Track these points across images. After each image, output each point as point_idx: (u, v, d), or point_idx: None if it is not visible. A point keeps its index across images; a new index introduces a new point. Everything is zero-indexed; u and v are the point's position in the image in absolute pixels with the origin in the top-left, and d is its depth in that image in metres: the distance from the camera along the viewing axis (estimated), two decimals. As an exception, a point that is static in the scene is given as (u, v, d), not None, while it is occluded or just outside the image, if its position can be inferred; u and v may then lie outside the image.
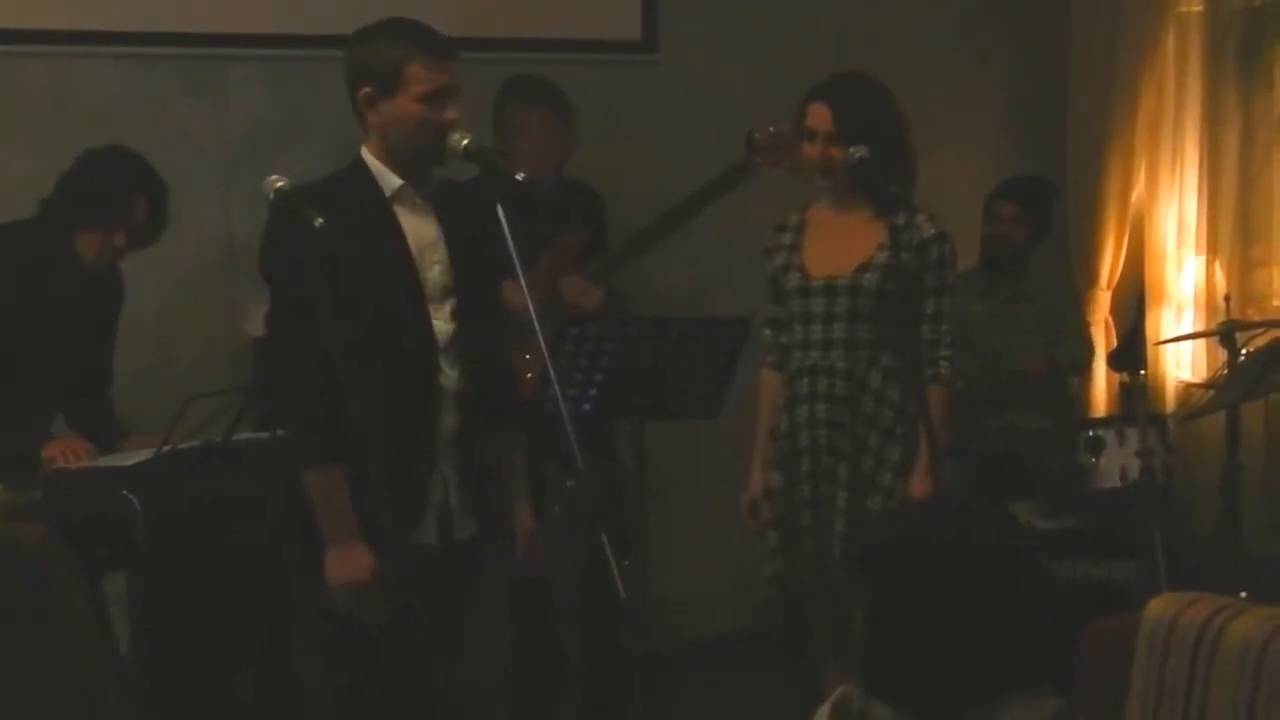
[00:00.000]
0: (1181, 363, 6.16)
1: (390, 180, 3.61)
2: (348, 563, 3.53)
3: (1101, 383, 6.27)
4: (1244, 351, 5.30)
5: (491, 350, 3.77)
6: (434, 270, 3.64)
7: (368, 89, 3.57)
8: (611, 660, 5.11)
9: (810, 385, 4.25)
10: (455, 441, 3.68)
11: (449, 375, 3.66)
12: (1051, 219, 5.92)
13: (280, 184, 3.39)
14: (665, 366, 4.17)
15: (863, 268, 4.20)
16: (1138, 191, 6.28)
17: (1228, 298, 5.66)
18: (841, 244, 4.24)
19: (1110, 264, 6.30)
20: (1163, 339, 6.10)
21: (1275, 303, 5.93)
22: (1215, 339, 5.64)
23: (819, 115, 4.20)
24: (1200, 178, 6.05)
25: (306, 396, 3.47)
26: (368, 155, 3.63)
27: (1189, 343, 6.07)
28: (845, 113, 4.17)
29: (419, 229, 3.65)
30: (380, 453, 3.35)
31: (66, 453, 4.44)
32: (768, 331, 4.39)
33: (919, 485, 4.14)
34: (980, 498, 5.01)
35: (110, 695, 3.53)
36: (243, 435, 4.35)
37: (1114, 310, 6.32)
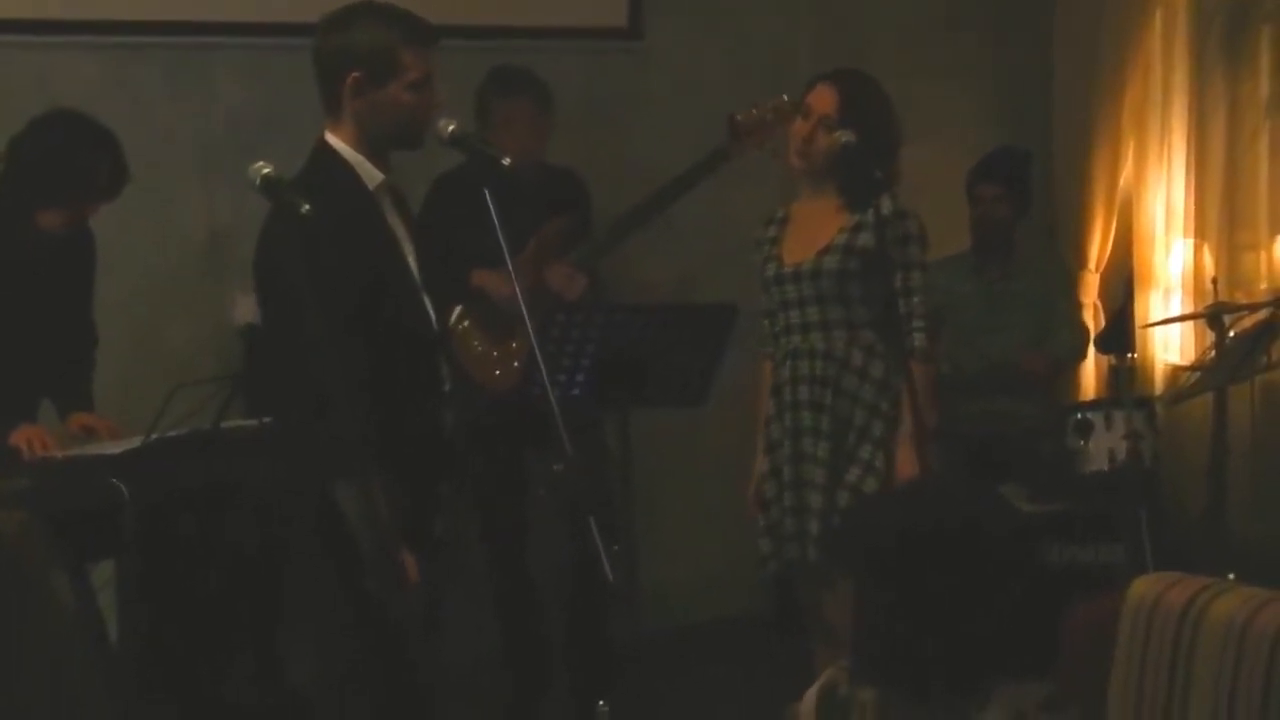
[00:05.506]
0: (1169, 345, 6.17)
1: (372, 173, 3.56)
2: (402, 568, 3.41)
3: (1090, 366, 6.28)
4: (1231, 334, 5.31)
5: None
6: (411, 261, 3.62)
7: (357, 74, 3.50)
8: (599, 647, 5.11)
9: (792, 370, 4.27)
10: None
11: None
12: (1032, 187, 5.93)
13: (266, 170, 3.23)
14: (651, 354, 4.15)
15: (822, 251, 4.23)
16: (1125, 175, 6.29)
17: (1215, 280, 5.66)
18: (809, 233, 4.28)
19: (1098, 247, 6.31)
20: (1150, 322, 6.11)
21: (1262, 285, 5.93)
22: (1203, 321, 5.65)
23: (823, 96, 4.23)
24: (1188, 161, 6.06)
25: (351, 407, 3.21)
26: (339, 143, 3.55)
27: (1177, 325, 6.08)
28: (850, 100, 4.20)
29: (394, 221, 3.62)
30: (417, 456, 3.35)
31: (33, 441, 4.34)
32: (765, 322, 4.42)
33: (905, 463, 4.13)
34: (968, 481, 5.00)
35: (97, 684, 3.52)
36: (231, 423, 4.33)
37: (1102, 293, 6.33)
